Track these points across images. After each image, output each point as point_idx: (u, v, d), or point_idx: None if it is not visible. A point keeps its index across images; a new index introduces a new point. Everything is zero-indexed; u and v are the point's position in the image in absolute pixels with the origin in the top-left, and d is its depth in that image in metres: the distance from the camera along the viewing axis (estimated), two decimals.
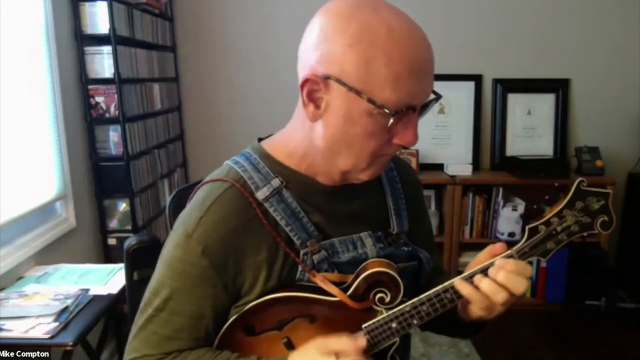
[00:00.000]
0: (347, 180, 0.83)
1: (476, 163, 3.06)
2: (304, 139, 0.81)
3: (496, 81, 3.07)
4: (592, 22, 3.01)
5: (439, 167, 3.04)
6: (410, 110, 0.73)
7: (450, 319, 0.86)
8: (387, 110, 0.71)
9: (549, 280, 2.94)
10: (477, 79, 3.06)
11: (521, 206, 2.89)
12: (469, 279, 0.79)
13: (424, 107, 0.77)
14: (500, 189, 2.91)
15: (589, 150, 2.94)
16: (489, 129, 3.11)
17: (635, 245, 2.96)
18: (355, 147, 0.76)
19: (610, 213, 0.79)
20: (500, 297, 0.76)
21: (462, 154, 3.08)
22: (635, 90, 3.05)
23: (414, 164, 2.94)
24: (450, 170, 2.95)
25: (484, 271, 0.78)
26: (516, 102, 3.08)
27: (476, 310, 0.80)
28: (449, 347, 2.51)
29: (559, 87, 3.06)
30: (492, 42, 3.04)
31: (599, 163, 2.90)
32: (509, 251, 0.79)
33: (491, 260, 0.79)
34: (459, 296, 0.79)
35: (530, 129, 3.10)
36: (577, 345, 2.57)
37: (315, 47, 0.73)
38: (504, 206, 2.91)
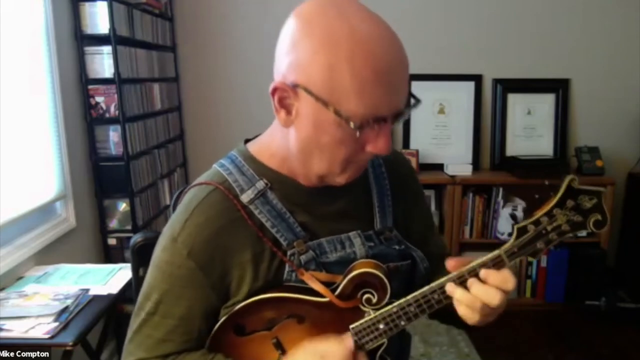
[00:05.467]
0: (325, 183, 0.82)
1: (476, 163, 3.06)
2: (282, 142, 0.81)
3: (496, 81, 3.06)
4: (592, 22, 3.01)
5: (439, 167, 3.04)
6: (381, 122, 0.71)
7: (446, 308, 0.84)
8: (351, 124, 0.70)
9: (549, 280, 2.94)
10: (477, 79, 3.05)
11: (521, 206, 2.89)
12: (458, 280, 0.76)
13: (400, 115, 0.74)
14: (500, 189, 2.91)
15: (589, 150, 2.94)
16: (489, 129, 3.11)
17: (635, 245, 2.96)
18: (327, 154, 0.76)
19: (603, 212, 0.76)
20: (477, 306, 0.75)
21: (462, 154, 3.08)
22: (635, 90, 3.05)
23: (413, 164, 2.94)
24: (450, 170, 2.95)
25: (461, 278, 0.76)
26: (516, 102, 3.08)
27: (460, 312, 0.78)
28: (449, 347, 2.51)
29: (559, 87, 3.06)
30: (492, 42, 3.03)
31: (599, 163, 2.90)
32: (497, 251, 0.77)
33: (473, 265, 0.76)
34: (447, 297, 0.77)
35: (530, 129, 3.10)
36: (577, 345, 2.57)
37: (286, 54, 0.73)
38: (504, 206, 2.91)
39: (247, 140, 0.91)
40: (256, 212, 0.82)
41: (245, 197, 0.82)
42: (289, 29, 0.73)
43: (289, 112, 0.76)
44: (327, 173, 0.79)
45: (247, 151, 0.87)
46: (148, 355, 0.83)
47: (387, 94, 0.70)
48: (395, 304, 0.80)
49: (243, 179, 0.83)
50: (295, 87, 0.72)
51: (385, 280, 0.80)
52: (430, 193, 3.04)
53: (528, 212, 0.78)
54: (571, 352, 2.52)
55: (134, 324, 0.85)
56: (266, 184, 0.83)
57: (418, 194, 1.01)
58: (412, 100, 0.76)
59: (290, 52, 0.72)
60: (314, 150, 0.76)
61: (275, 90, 0.75)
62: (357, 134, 0.70)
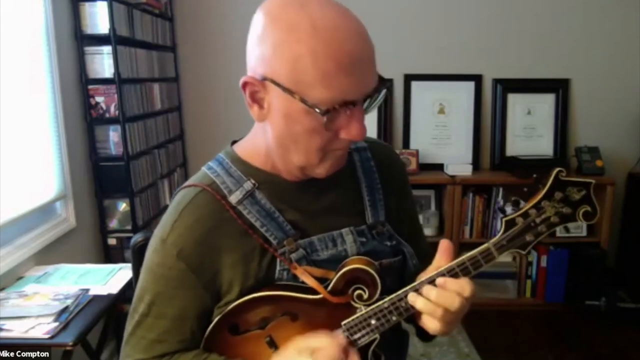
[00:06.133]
0: (308, 176, 0.82)
1: (476, 163, 3.06)
2: (263, 139, 0.82)
3: (496, 81, 3.06)
4: (592, 22, 3.01)
5: (439, 167, 3.04)
6: (350, 106, 0.72)
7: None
8: (317, 110, 0.70)
9: (549, 280, 2.94)
10: (477, 79, 3.05)
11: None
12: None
13: (371, 98, 0.74)
14: (500, 189, 2.91)
15: (589, 150, 2.94)
16: (489, 129, 3.11)
17: (635, 245, 2.96)
18: (301, 144, 0.76)
19: (593, 203, 0.76)
20: (438, 313, 0.76)
21: (462, 154, 3.08)
22: (635, 90, 3.05)
23: (413, 164, 2.94)
24: (450, 170, 2.95)
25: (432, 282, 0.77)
26: (516, 102, 3.08)
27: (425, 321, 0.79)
28: (449, 347, 2.51)
29: (559, 87, 3.06)
30: (492, 42, 3.03)
31: (599, 163, 2.89)
32: (486, 244, 0.78)
33: (440, 270, 0.78)
34: None
35: (530, 129, 3.10)
36: (577, 345, 2.57)
37: (253, 48, 0.75)
38: (504, 206, 2.91)
39: (234, 142, 0.91)
40: (245, 212, 0.82)
41: (233, 198, 0.82)
42: (256, 24, 0.74)
43: (261, 106, 0.76)
44: (305, 164, 0.79)
45: (233, 152, 0.88)
46: (145, 356, 0.83)
47: (353, 81, 0.70)
48: (386, 299, 0.80)
49: (230, 180, 0.84)
50: (263, 80, 0.73)
51: (376, 276, 0.81)
52: (430, 193, 3.04)
53: (517, 205, 0.79)
54: (571, 352, 2.52)
55: (129, 325, 0.85)
56: (254, 184, 0.83)
57: (407, 190, 1.01)
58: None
59: (257, 47, 0.73)
60: (289, 142, 0.77)
61: (245, 84, 0.76)
62: (325, 119, 0.71)
